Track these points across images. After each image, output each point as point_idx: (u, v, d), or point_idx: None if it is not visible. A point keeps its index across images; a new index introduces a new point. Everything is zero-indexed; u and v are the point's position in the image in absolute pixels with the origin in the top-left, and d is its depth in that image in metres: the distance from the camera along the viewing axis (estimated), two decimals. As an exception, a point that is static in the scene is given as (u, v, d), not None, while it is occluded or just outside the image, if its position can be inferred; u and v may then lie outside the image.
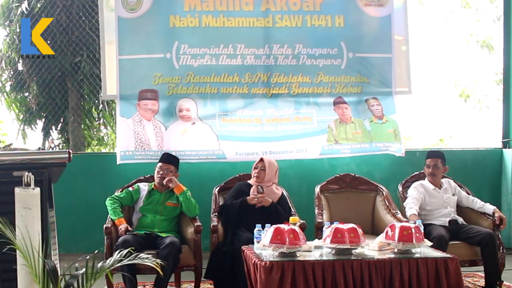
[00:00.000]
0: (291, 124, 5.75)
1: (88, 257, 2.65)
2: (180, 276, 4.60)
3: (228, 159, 5.62)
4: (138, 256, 2.78)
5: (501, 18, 6.87)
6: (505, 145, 6.47)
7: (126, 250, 2.78)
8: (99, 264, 2.67)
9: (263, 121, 5.74)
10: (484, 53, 10.24)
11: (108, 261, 2.71)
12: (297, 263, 3.37)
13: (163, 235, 4.34)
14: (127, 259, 2.71)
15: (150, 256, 2.84)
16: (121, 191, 4.62)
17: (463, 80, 10.63)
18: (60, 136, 8.31)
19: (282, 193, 4.73)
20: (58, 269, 2.74)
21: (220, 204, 4.69)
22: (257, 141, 5.67)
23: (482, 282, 4.58)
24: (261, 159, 4.68)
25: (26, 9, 7.62)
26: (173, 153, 5.13)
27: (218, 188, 4.93)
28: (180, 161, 4.79)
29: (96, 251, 2.75)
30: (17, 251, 2.59)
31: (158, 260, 2.82)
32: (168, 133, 5.59)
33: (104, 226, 4.31)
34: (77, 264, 2.67)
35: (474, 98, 10.49)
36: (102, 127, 8.71)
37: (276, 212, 4.45)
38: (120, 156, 5.53)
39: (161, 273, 2.95)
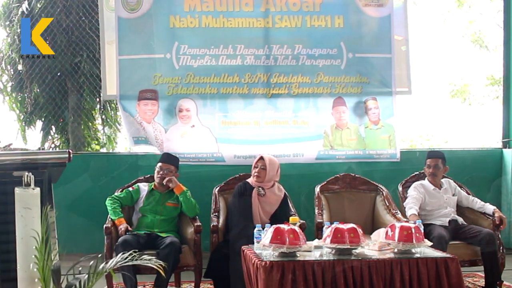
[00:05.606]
0: (289, 127, 5.78)
1: (92, 261, 2.64)
2: (180, 276, 4.60)
3: (227, 162, 5.66)
4: (140, 257, 2.77)
5: (498, 14, 6.84)
6: (505, 145, 6.47)
7: (128, 253, 2.78)
8: (101, 266, 2.67)
9: (261, 123, 5.77)
10: (481, 52, 10.25)
11: (110, 262, 2.71)
12: (297, 263, 3.37)
13: (163, 235, 4.34)
14: (129, 259, 2.70)
15: (153, 258, 2.83)
16: (121, 191, 4.62)
17: (461, 76, 10.64)
18: (60, 136, 8.31)
19: (285, 195, 4.60)
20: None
21: (222, 206, 4.68)
22: (255, 143, 5.70)
23: (482, 282, 4.58)
24: (261, 157, 4.51)
25: (27, 9, 7.63)
26: (173, 154, 5.12)
27: (218, 188, 4.92)
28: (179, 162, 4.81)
29: (100, 255, 2.75)
30: (17, 251, 2.58)
31: (160, 262, 2.81)
32: (168, 136, 5.62)
33: (104, 226, 4.31)
34: (79, 268, 2.67)
35: (471, 95, 10.51)
36: (101, 127, 8.71)
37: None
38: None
39: (163, 274, 2.95)
